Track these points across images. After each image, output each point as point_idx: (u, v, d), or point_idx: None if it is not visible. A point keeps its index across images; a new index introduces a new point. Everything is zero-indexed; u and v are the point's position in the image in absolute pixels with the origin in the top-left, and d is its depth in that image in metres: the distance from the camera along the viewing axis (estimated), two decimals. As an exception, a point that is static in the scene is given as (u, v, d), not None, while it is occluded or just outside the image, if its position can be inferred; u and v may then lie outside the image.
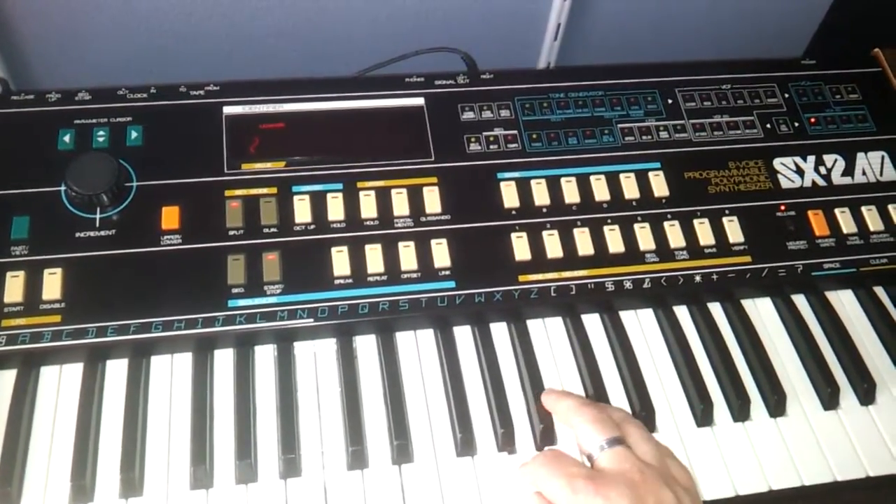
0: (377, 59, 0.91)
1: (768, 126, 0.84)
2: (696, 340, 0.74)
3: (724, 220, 0.77)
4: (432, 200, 0.75)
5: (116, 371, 0.67)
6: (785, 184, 0.81)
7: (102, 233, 0.70)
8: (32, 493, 0.61)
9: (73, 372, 0.66)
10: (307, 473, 0.63)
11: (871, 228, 0.79)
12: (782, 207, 0.79)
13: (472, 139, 0.79)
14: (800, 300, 0.77)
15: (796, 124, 0.84)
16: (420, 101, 0.80)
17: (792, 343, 0.75)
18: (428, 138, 0.78)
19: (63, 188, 0.71)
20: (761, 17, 1.13)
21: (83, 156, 0.71)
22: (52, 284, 0.67)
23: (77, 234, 0.69)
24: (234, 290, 0.68)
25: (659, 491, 0.55)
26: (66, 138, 0.74)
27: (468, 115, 0.80)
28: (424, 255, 0.72)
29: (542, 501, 0.59)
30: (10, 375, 0.65)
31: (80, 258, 0.68)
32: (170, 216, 0.71)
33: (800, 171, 0.81)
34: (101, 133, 0.75)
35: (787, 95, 0.86)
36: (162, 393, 0.66)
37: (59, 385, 0.66)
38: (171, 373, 0.67)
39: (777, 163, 0.82)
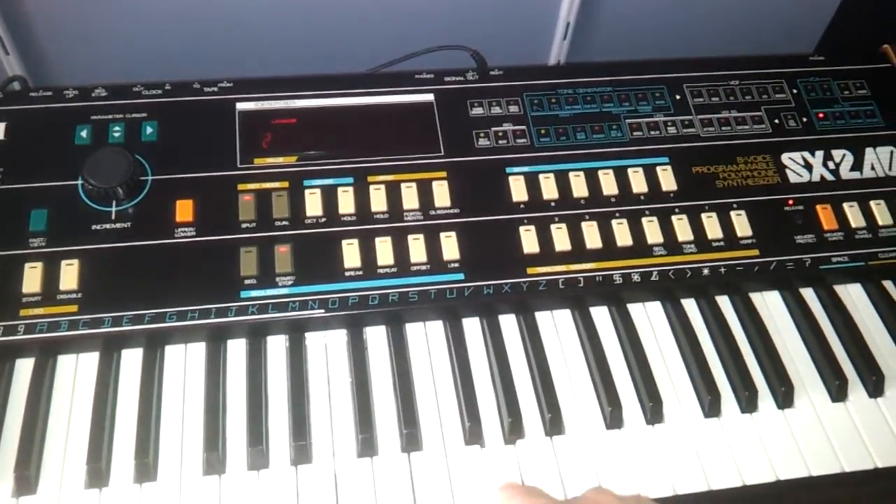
0: (388, 57, 0.92)
1: (776, 121, 0.84)
2: (704, 333, 0.74)
3: (732, 213, 0.78)
4: (442, 194, 0.75)
5: (131, 360, 0.68)
6: (793, 178, 0.81)
7: (118, 225, 0.71)
8: (49, 477, 0.62)
9: (90, 360, 0.68)
10: (318, 460, 0.64)
11: (880, 222, 0.79)
12: (790, 202, 0.79)
13: (482, 134, 0.80)
14: (808, 293, 0.77)
15: (804, 120, 0.85)
16: (430, 97, 0.81)
17: (800, 336, 0.75)
18: (437, 133, 0.79)
19: (80, 182, 0.72)
20: (771, 14, 1.13)
21: (99, 150, 0.73)
22: (69, 275, 0.68)
23: (93, 227, 0.71)
24: (247, 282, 0.70)
25: None
26: (83, 133, 0.75)
27: (477, 111, 0.81)
28: (434, 247, 0.73)
29: None
30: (28, 363, 0.67)
31: (96, 250, 0.70)
32: (184, 209, 0.72)
33: (808, 166, 0.82)
34: (117, 128, 0.76)
35: (795, 91, 0.86)
36: (176, 381, 0.68)
37: (76, 373, 0.67)
38: (184, 362, 0.69)
39: (785, 157, 0.82)
